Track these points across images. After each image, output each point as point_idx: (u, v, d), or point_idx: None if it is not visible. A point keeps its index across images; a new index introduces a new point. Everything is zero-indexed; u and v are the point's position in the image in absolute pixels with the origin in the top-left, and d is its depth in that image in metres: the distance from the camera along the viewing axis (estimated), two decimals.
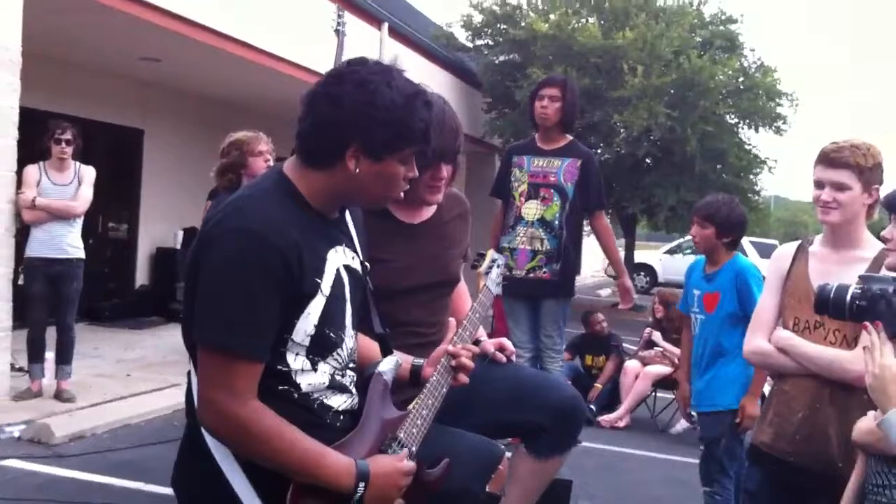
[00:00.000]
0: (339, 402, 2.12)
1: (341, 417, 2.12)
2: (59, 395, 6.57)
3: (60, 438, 5.85)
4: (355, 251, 2.20)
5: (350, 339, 2.15)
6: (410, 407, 2.22)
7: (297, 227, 1.97)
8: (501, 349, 2.98)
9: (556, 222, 5.30)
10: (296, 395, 2.02)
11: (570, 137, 5.44)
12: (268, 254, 1.90)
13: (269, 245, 1.90)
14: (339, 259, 2.09)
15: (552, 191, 5.32)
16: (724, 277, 4.29)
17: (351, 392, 2.17)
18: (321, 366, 2.06)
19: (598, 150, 17.31)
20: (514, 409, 2.88)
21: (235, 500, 1.96)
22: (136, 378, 7.68)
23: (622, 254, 19.83)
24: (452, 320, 2.43)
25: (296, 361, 2.01)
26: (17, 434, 5.89)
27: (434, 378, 2.28)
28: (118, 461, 5.55)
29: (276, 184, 2.05)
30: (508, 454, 2.98)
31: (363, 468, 1.98)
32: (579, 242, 5.54)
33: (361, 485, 1.97)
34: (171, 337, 9.30)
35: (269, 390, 1.96)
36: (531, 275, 5.29)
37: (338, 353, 2.10)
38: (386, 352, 2.33)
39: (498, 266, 2.71)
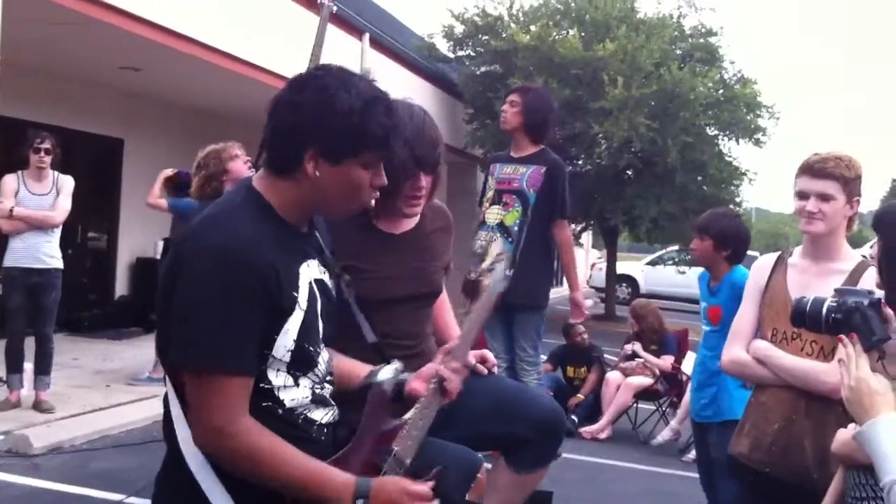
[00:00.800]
0: (321, 415, 2.11)
1: (325, 431, 2.11)
2: (37, 406, 6.53)
3: (39, 449, 5.80)
4: (324, 265, 2.19)
5: (325, 351, 2.14)
6: (406, 417, 2.21)
7: (271, 242, 1.95)
8: (483, 361, 2.98)
9: (515, 228, 5.25)
10: (280, 412, 2.01)
11: (541, 146, 5.41)
12: (245, 272, 1.88)
13: (246, 263, 1.89)
14: (311, 273, 2.08)
15: (514, 196, 5.30)
16: (724, 291, 4.30)
17: (331, 404, 2.16)
18: (302, 380, 2.05)
19: (580, 162, 17.38)
20: (496, 422, 2.88)
21: None
22: (115, 389, 7.64)
23: (604, 265, 20.02)
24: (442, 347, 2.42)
25: (277, 377, 2.00)
26: None
27: (430, 389, 2.27)
28: (97, 472, 5.51)
29: (246, 198, 2.03)
30: (488, 465, 2.97)
31: (363, 486, 1.96)
32: (547, 251, 5.46)
33: (360, 502, 1.95)
34: (150, 347, 9.16)
35: (253, 406, 1.94)
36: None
37: (317, 368, 2.09)
38: (381, 360, 2.31)
39: (501, 260, 2.64)
